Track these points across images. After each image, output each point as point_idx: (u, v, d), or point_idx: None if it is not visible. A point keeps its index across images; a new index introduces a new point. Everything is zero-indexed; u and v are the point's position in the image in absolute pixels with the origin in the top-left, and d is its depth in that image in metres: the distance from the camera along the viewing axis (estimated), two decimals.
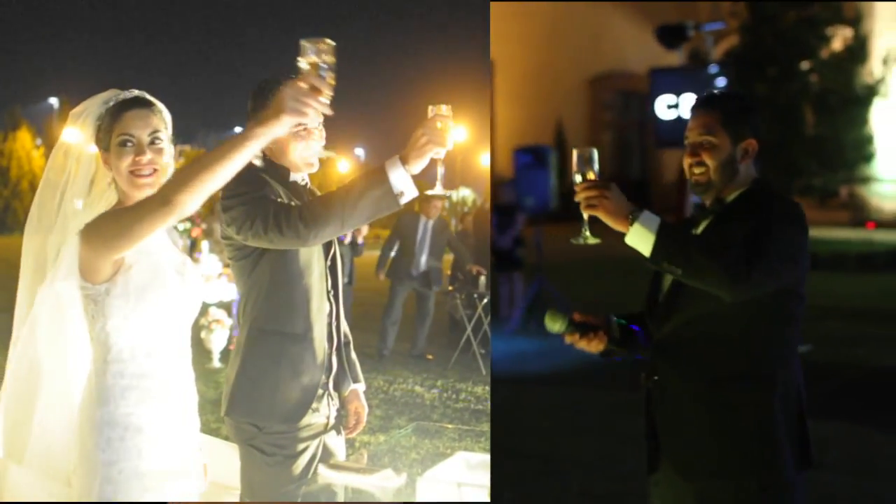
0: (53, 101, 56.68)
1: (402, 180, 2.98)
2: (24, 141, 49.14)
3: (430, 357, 11.35)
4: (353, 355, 3.61)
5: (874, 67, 24.37)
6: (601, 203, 2.77)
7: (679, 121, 10.20)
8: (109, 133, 2.76)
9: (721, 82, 10.04)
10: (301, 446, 3.28)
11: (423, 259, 11.46)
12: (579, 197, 2.81)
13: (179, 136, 2.96)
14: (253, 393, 3.27)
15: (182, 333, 2.84)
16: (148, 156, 2.74)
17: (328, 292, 3.39)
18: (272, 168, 3.32)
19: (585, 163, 2.83)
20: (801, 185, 23.08)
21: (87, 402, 2.73)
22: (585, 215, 2.82)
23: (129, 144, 2.74)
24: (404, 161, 2.97)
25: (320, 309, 3.33)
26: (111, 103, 2.80)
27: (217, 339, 10.08)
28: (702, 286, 2.73)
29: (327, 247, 3.39)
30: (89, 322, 2.73)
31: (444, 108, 2.98)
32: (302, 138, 3.30)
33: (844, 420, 7.04)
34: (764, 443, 2.83)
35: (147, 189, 2.76)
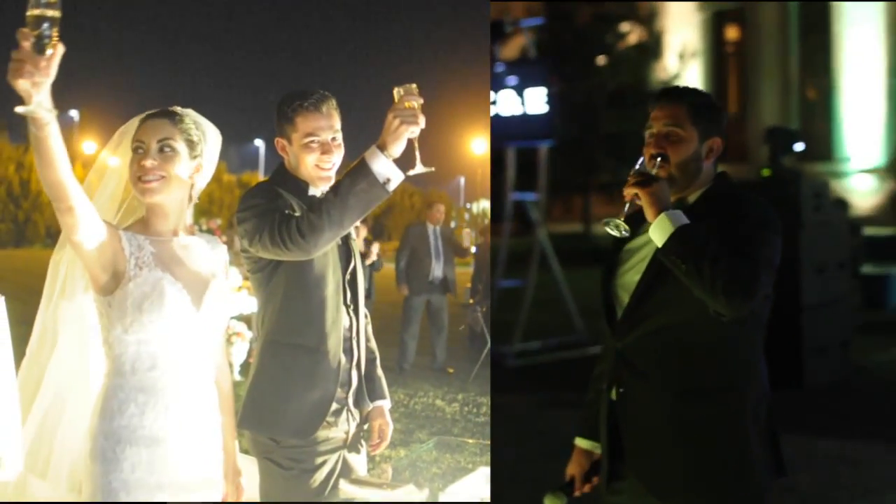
0: (74, 113, 57.03)
1: (385, 167, 2.95)
2: None
3: (450, 371, 11.29)
4: (380, 372, 3.57)
5: (669, 63, 24.63)
6: (649, 186, 2.75)
7: (497, 118, 10.16)
8: (132, 143, 2.77)
9: (512, 81, 9.98)
10: (318, 460, 3.25)
11: (441, 266, 11.40)
12: (632, 178, 2.79)
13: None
14: (264, 405, 3.24)
15: (197, 348, 2.80)
16: (152, 161, 2.71)
17: (347, 306, 3.35)
18: (289, 181, 3.30)
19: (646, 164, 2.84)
20: (598, 182, 23.31)
21: (92, 413, 2.72)
22: (628, 199, 2.81)
23: (140, 151, 2.73)
24: (382, 147, 2.96)
25: (336, 322, 3.29)
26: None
27: (237, 352, 10.07)
28: (697, 294, 2.65)
29: (346, 260, 3.36)
30: (101, 334, 2.72)
31: (413, 88, 2.98)
32: (312, 150, 3.26)
33: None
34: (739, 458, 2.76)
35: (152, 195, 2.74)
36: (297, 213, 3.11)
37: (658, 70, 24.42)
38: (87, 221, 2.54)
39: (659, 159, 2.81)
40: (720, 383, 2.77)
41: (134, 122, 2.82)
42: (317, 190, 3.32)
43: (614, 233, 2.83)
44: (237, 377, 9.92)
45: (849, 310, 9.19)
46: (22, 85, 2.22)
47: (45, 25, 2.21)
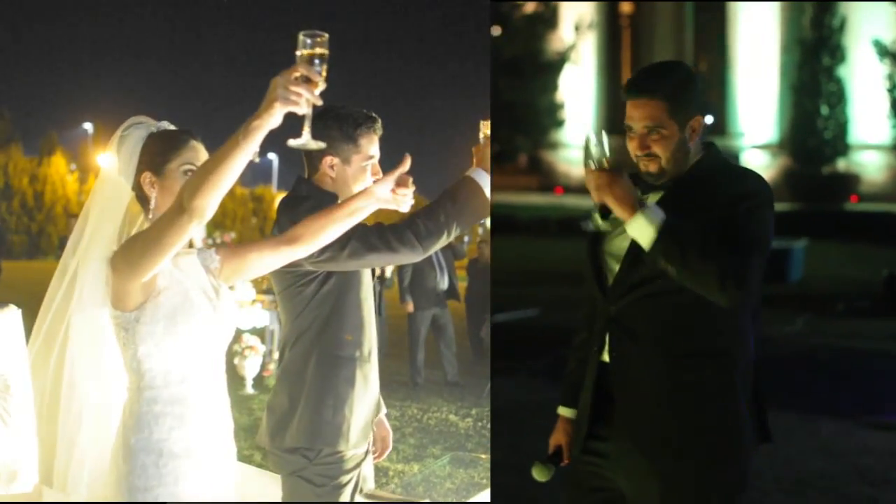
0: (88, 126, 57.12)
1: (489, 189, 3.14)
2: (58, 166, 49.64)
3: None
4: None
5: (565, 34, 24.59)
6: (611, 189, 2.71)
7: None
8: (166, 159, 2.73)
9: None
10: (347, 477, 3.24)
11: (446, 275, 11.36)
12: (589, 182, 2.76)
13: None
14: (328, 419, 3.21)
15: (216, 358, 2.81)
16: None
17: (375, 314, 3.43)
18: (325, 194, 3.27)
19: (598, 146, 2.75)
20: (494, 150, 23.48)
21: (121, 429, 2.70)
22: (595, 199, 2.77)
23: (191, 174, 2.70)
24: (486, 171, 3.14)
25: (375, 330, 3.37)
26: (153, 129, 2.78)
27: (250, 366, 10.05)
28: (694, 289, 2.67)
29: (371, 271, 3.40)
30: (122, 350, 2.70)
31: (488, 122, 3.21)
32: (366, 172, 3.30)
33: None
34: (729, 421, 2.78)
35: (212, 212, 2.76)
36: None
37: (554, 41, 24.51)
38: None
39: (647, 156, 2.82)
40: (711, 348, 2.79)
41: (136, 130, 2.78)
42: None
43: (593, 228, 2.82)
44: (250, 390, 9.91)
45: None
46: (286, 109, 2.33)
47: (317, 62, 2.35)
